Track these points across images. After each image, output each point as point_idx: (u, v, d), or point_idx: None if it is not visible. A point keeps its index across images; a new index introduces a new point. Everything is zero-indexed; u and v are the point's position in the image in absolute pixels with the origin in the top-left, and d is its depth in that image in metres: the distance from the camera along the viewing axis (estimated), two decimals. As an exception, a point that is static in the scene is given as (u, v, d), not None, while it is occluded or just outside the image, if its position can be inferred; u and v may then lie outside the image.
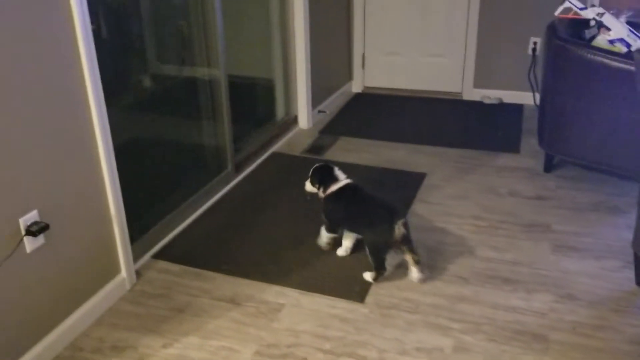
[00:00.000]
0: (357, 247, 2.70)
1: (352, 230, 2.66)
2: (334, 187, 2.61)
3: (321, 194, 2.65)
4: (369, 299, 2.44)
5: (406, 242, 2.48)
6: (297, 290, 2.51)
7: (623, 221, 2.97)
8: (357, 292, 2.48)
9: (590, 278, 2.54)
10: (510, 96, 4.80)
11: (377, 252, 2.52)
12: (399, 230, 2.43)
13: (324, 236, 2.74)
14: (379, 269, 2.53)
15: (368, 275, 2.56)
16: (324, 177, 2.64)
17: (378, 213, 2.51)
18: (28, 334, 2.06)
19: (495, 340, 2.19)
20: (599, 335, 2.20)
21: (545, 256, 2.70)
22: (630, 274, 2.54)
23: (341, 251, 2.73)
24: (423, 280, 2.53)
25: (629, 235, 2.80)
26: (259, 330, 2.28)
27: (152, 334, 2.27)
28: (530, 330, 2.23)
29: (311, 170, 2.68)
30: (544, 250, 2.74)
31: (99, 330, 2.30)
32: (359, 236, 2.66)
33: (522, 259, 2.68)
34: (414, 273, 2.53)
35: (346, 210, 2.61)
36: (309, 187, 2.70)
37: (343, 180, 2.63)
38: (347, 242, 2.72)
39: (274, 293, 2.49)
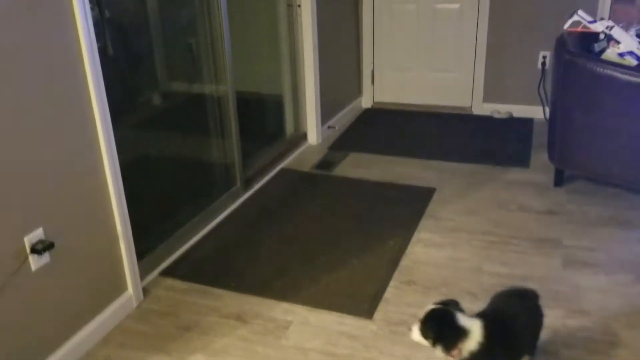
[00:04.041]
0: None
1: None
2: (471, 344, 1.77)
3: (442, 355, 1.81)
4: (378, 315, 2.42)
5: None
6: (305, 307, 2.49)
7: (635, 235, 2.92)
8: (366, 309, 2.46)
9: (602, 293, 2.50)
10: (520, 110, 4.77)
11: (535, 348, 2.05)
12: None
13: None
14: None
15: None
16: (444, 330, 1.80)
17: (525, 311, 1.97)
18: (34, 352, 2.06)
19: (506, 358, 2.15)
20: (611, 352, 2.16)
21: (556, 271, 2.66)
22: (644, 289, 2.50)
23: None
24: None
25: (642, 250, 2.76)
26: (266, 348, 2.26)
27: (159, 352, 2.26)
28: (542, 346, 2.19)
29: (424, 316, 1.83)
30: (555, 266, 2.70)
31: (105, 348, 2.29)
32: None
33: (532, 274, 2.65)
34: None
35: (511, 351, 1.89)
36: (416, 336, 1.84)
37: (476, 325, 1.80)
38: None
39: (281, 310, 2.48)
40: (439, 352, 1.80)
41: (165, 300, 2.57)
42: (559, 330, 2.28)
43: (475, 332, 1.77)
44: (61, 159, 2.07)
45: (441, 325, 1.79)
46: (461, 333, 1.77)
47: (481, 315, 1.87)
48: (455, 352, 1.77)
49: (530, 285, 2.53)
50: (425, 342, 1.82)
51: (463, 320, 1.79)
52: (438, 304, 1.85)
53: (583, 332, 2.27)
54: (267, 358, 2.21)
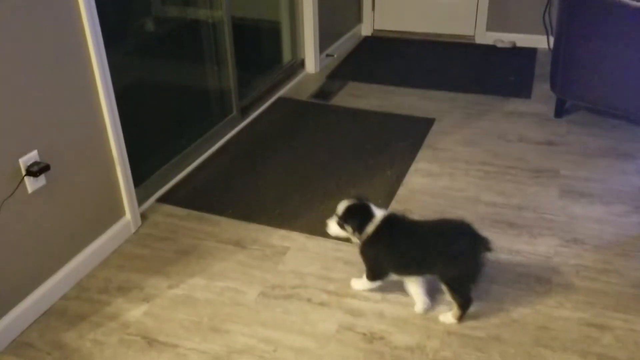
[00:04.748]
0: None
1: (415, 272, 2.08)
2: (370, 227, 2.02)
3: (356, 239, 2.08)
4: (373, 242, 2.44)
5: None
6: (302, 233, 2.51)
7: (633, 167, 2.92)
8: (362, 236, 2.48)
9: (597, 223, 2.52)
10: (524, 40, 4.67)
11: (462, 288, 2.01)
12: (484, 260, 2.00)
13: (365, 285, 2.19)
14: (466, 304, 2.03)
15: (449, 316, 2.05)
16: (362, 219, 2.03)
17: (457, 241, 2.00)
18: (33, 274, 2.09)
19: (497, 282, 2.19)
20: (602, 279, 2.20)
21: (553, 201, 2.67)
22: (638, 218, 2.51)
23: (420, 306, 2.11)
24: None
25: (639, 181, 2.76)
26: (264, 273, 2.29)
27: (158, 275, 2.29)
28: (534, 273, 2.23)
29: (342, 211, 2.06)
30: (552, 196, 2.71)
31: (105, 271, 2.32)
32: (426, 276, 2.09)
33: (528, 204, 2.66)
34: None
35: (401, 248, 2.04)
36: (334, 230, 2.10)
37: (380, 215, 2.04)
38: (419, 291, 2.11)
39: (279, 237, 2.50)
40: (355, 238, 2.08)
41: (164, 225, 2.59)
42: (552, 258, 2.31)
43: (376, 219, 2.03)
44: (54, 82, 2.03)
45: (361, 216, 2.04)
46: (371, 218, 2.03)
47: (393, 213, 2.11)
48: (364, 233, 2.04)
49: (526, 214, 2.57)
50: (342, 233, 2.09)
51: (374, 209, 2.06)
52: (352, 199, 2.10)
53: (576, 260, 2.30)
54: (264, 281, 2.24)
